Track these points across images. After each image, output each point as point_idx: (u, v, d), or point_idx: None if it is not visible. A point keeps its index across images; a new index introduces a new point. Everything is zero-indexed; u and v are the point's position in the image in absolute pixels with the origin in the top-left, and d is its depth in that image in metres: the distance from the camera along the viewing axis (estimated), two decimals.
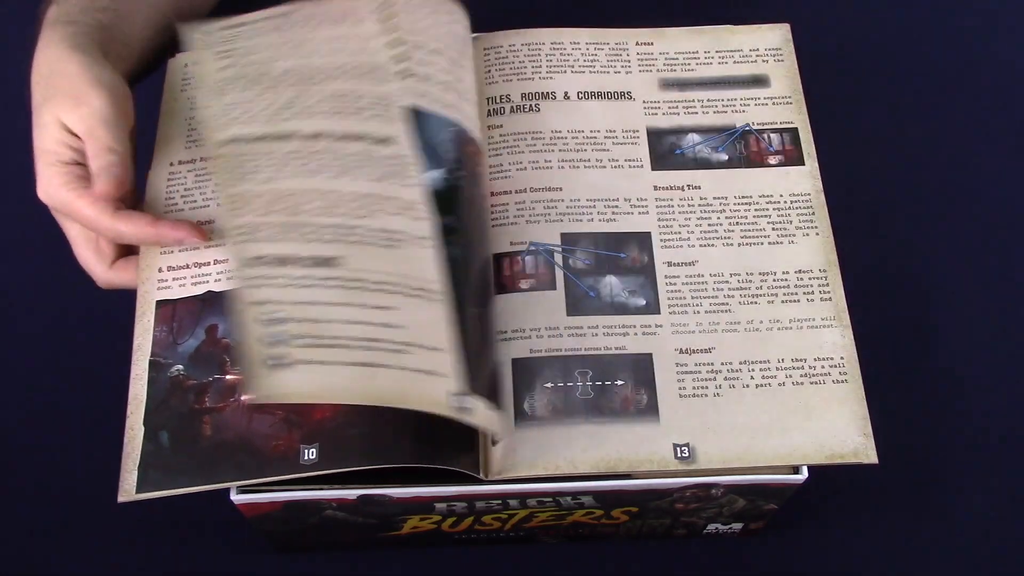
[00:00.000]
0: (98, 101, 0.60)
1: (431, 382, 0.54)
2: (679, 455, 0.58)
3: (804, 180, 0.66)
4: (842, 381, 0.60)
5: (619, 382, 0.59)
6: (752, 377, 0.60)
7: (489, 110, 0.69)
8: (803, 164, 0.67)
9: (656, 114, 0.68)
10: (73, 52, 0.61)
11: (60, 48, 0.61)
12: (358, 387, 0.53)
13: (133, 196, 0.64)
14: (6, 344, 0.75)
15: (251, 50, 0.65)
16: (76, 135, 0.61)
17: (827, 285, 0.62)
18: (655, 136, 0.68)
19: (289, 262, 0.56)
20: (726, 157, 0.67)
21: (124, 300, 0.62)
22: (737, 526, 0.66)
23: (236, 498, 0.57)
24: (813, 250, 0.63)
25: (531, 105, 0.68)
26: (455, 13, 0.67)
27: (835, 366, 0.60)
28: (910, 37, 0.73)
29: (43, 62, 0.61)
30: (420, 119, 0.62)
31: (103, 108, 0.60)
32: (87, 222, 0.60)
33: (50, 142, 0.60)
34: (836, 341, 0.61)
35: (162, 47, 0.70)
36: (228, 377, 0.59)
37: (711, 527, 0.66)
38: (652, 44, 0.71)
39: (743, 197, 0.65)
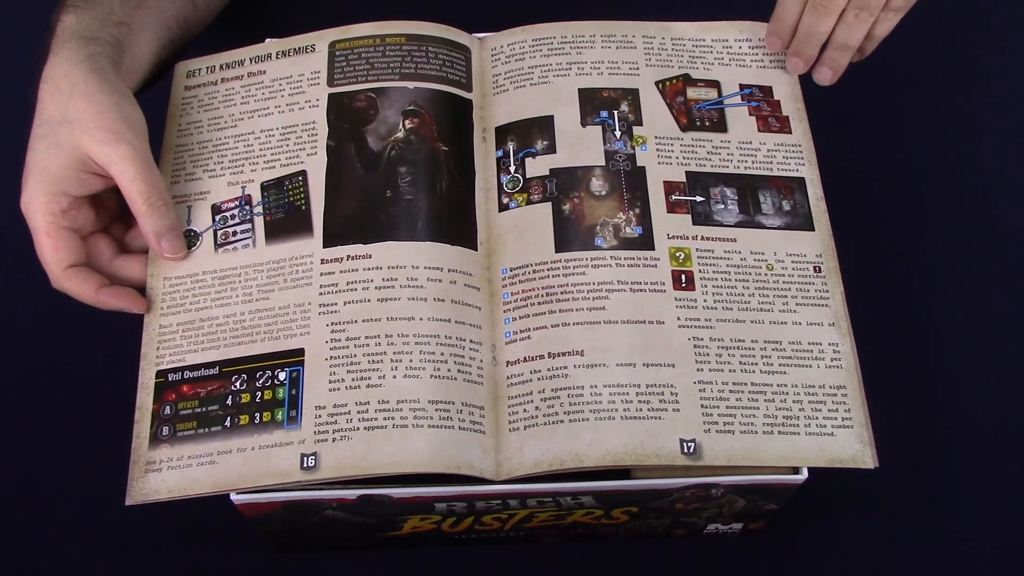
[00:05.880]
0: (139, 143, 0.61)
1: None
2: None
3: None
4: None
5: None
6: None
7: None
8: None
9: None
10: (101, 81, 0.61)
11: (83, 70, 0.61)
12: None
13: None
14: (7, 344, 0.75)
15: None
16: (98, 168, 0.61)
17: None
18: None
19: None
20: None
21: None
22: (737, 526, 0.66)
23: (236, 498, 0.57)
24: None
25: None
26: None
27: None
28: (909, 36, 0.73)
29: (61, 76, 0.61)
30: None
31: (144, 150, 0.61)
32: (41, 258, 0.61)
33: (56, 164, 0.60)
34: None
35: (166, 61, 0.70)
36: None
37: (711, 527, 0.66)
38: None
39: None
